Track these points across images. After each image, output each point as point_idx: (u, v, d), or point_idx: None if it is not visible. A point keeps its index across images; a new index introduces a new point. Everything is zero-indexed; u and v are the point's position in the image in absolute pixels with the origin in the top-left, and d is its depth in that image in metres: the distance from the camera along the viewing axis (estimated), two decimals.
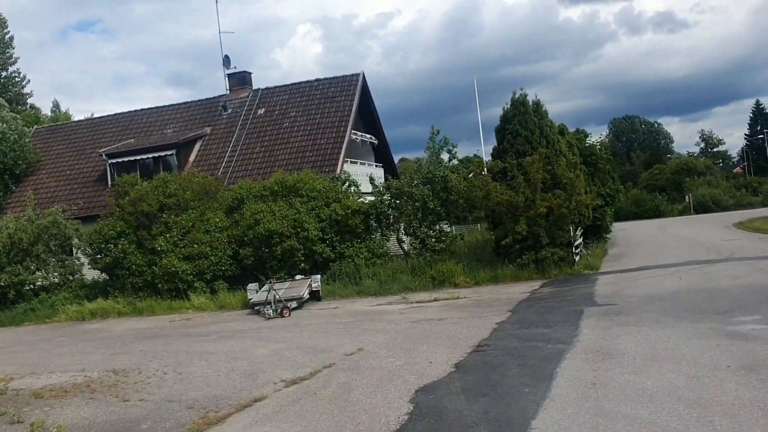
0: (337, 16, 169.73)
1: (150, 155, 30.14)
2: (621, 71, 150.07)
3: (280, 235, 20.94)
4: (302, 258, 21.19)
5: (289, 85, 32.96)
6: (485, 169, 22.58)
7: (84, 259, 24.30)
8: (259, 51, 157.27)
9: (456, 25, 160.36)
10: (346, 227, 21.88)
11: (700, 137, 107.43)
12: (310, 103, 30.89)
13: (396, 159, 53.38)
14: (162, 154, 30.07)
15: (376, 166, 32.43)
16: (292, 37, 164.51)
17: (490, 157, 23.67)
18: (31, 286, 24.16)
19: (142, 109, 35.44)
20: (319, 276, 20.25)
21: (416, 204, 22.12)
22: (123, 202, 23.71)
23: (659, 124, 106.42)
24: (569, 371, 8.23)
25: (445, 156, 24.73)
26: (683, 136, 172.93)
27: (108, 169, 30.49)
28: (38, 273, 24.33)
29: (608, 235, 32.71)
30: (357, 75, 31.31)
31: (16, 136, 31.90)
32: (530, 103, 22.10)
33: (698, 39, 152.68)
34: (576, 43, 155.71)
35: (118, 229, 23.01)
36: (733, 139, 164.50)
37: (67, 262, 24.74)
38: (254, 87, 33.61)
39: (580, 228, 22.76)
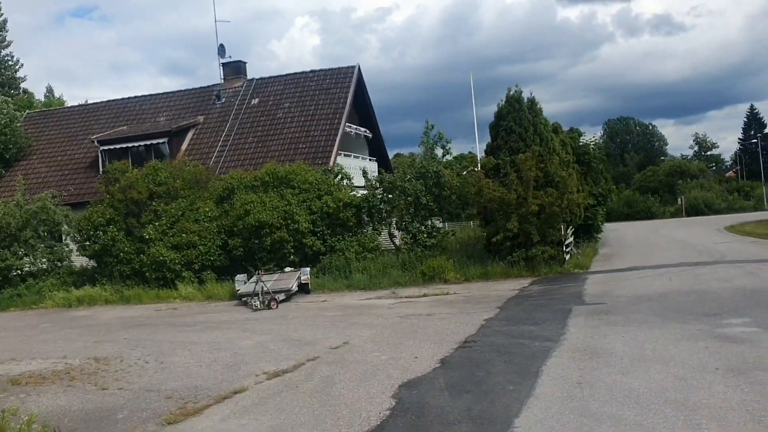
0: (335, 9, 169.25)
1: (142, 143, 29.91)
2: (617, 73, 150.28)
3: (270, 226, 20.78)
4: (292, 250, 21.04)
5: (283, 75, 32.77)
6: (478, 165, 22.47)
7: (73, 246, 24.10)
8: (257, 42, 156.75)
9: (454, 22, 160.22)
10: (337, 220, 21.74)
11: (694, 140, 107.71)
12: (305, 94, 30.69)
13: (391, 154, 53.24)
14: (154, 142, 29.84)
15: (370, 159, 32.26)
16: (290, 28, 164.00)
17: (484, 155, 23.56)
18: (19, 271, 23.95)
19: (135, 97, 35.16)
20: (308, 269, 20.11)
21: (408, 199, 21.98)
22: (113, 189, 23.50)
23: (654, 126, 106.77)
24: (555, 369, 8.11)
25: (439, 151, 24.54)
26: (677, 138, 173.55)
27: (99, 155, 30.26)
28: (26, 258, 24.11)
29: (599, 235, 32.68)
30: (352, 67, 31.12)
31: (7, 120, 31.60)
32: (525, 101, 21.98)
33: (695, 42, 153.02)
34: (573, 44, 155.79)
35: (108, 216, 22.81)
36: (727, 143, 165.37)
37: (55, 248, 24.50)
38: (249, 77, 33.39)
39: (571, 227, 22.71)
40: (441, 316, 13.41)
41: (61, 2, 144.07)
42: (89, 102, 37.75)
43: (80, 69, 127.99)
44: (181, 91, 34.73)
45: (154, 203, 22.79)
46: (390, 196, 22.58)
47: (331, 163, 26.28)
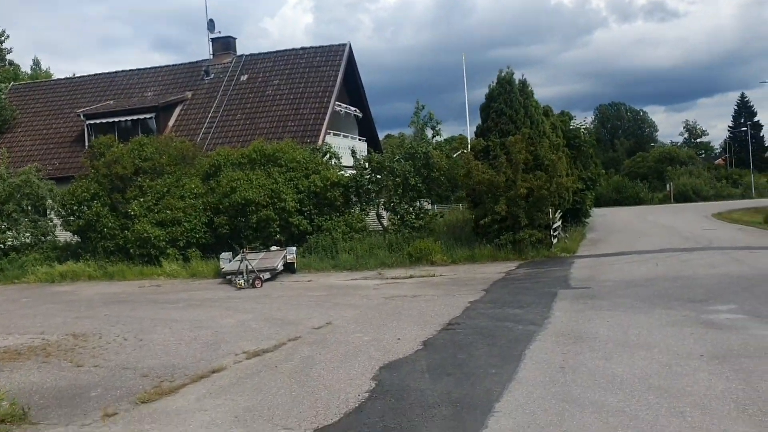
0: None
1: (129, 118, 29.61)
2: (609, 58, 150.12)
3: (256, 204, 20.59)
4: (278, 229, 20.87)
5: (273, 52, 32.43)
6: (468, 147, 22.30)
7: (57, 221, 23.84)
8: (249, 19, 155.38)
9: (449, 3, 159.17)
10: (324, 199, 21.55)
11: (684, 127, 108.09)
12: (295, 71, 30.38)
13: (382, 135, 53.03)
14: (141, 117, 29.55)
15: (360, 139, 32.04)
16: (282, 6, 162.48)
17: (474, 137, 23.39)
18: (1, 245, 23.68)
19: (122, 71, 34.73)
20: (294, 248, 19.94)
21: (397, 179, 21.80)
22: (98, 164, 23.22)
23: (644, 113, 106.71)
24: (538, 353, 8.01)
25: (429, 132, 24.31)
26: (668, 125, 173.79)
27: (85, 130, 29.94)
28: (9, 232, 23.85)
29: (587, 220, 32.69)
30: (343, 45, 30.80)
31: None
32: (516, 82, 21.79)
33: (687, 30, 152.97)
34: (566, 28, 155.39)
35: (92, 191, 22.58)
36: (717, 130, 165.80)
37: (39, 222, 24.24)
38: (239, 53, 33.01)
39: (559, 211, 22.63)
40: (426, 298, 13.31)
41: None
42: (77, 76, 37.21)
43: (69, 42, 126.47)
44: (170, 66, 34.34)
45: (139, 179, 22.55)
46: (378, 176, 22.40)
47: (320, 141, 26.06)
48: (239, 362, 8.34)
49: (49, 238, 24.01)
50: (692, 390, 6.21)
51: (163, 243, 21.09)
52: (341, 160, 24.04)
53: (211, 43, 33.18)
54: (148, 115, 29.51)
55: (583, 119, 34.71)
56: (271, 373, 7.68)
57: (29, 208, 24.24)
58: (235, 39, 33.52)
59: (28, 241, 23.79)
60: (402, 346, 8.72)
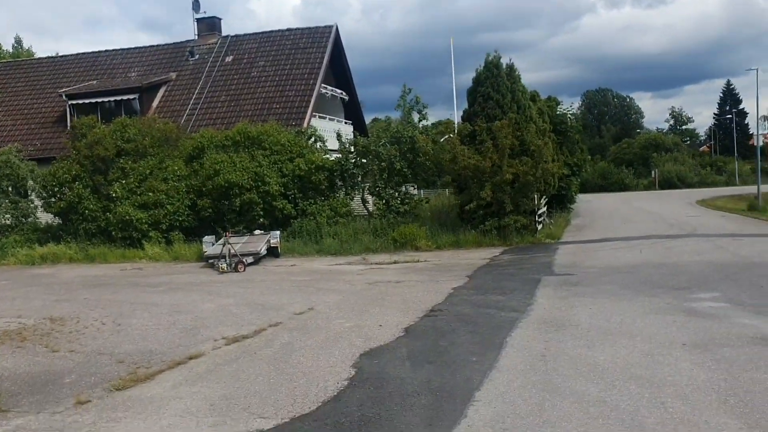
0: None
1: (112, 98, 29.21)
2: (597, 44, 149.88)
3: (240, 187, 20.39)
4: (261, 213, 20.69)
5: (259, 33, 32.03)
6: (455, 131, 22.16)
7: (38, 202, 23.53)
8: (236, 0, 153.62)
9: None
10: (309, 183, 21.37)
11: (670, 114, 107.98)
12: (280, 53, 30.04)
13: (369, 119, 52.74)
14: (124, 97, 29.13)
15: (345, 123, 31.77)
16: None
17: (461, 121, 23.24)
18: None
19: (106, 51, 34.20)
20: (278, 232, 19.80)
21: (382, 164, 21.64)
22: (79, 145, 22.91)
23: (631, 99, 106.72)
24: (520, 341, 7.94)
25: (415, 116, 24.07)
26: (654, 112, 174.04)
27: (68, 110, 29.48)
28: None
29: (572, 206, 32.75)
30: (330, 27, 30.46)
31: None
32: (504, 67, 21.62)
33: (675, 16, 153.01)
34: (554, 13, 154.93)
35: (74, 172, 22.29)
36: (702, 117, 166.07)
37: (20, 204, 23.87)
38: (223, 33, 32.60)
39: (544, 197, 22.61)
40: (410, 284, 13.23)
41: None
42: (60, 55, 36.63)
43: (53, 22, 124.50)
44: (154, 46, 33.84)
45: (121, 161, 22.27)
46: (363, 160, 22.22)
47: (305, 124, 25.81)
48: (218, 348, 8.22)
49: (29, 219, 23.68)
50: (674, 380, 6.16)
51: (146, 226, 20.86)
52: (326, 144, 23.83)
53: (196, 23, 32.72)
54: (131, 96, 29.09)
55: (570, 104, 34.75)
56: (250, 359, 7.57)
57: (10, 189, 23.87)
58: (220, 19, 33.09)
59: (8, 222, 23.46)
60: (384, 333, 8.64)
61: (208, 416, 5.70)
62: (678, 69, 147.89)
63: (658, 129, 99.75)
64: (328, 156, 22.65)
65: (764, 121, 41.28)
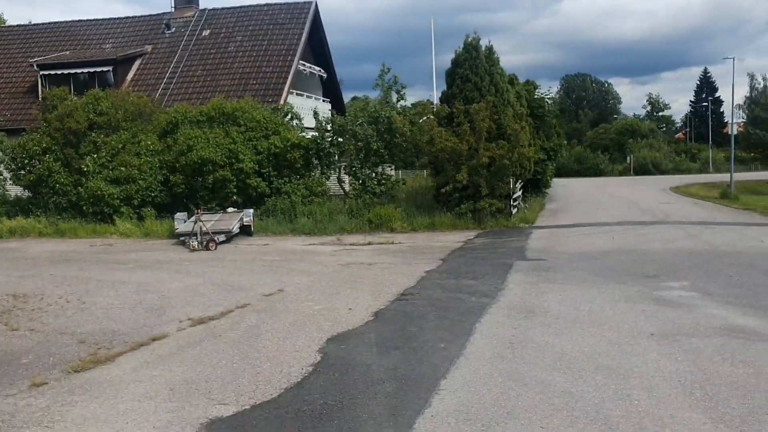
0: None
1: (85, 70, 28.57)
2: (578, 28, 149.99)
3: (213, 164, 20.13)
4: (235, 190, 20.46)
5: (236, 7, 31.54)
6: (432, 113, 22.00)
7: (7, 175, 23.03)
8: None
9: None
10: (284, 161, 21.13)
11: (647, 100, 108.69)
12: (258, 28, 29.61)
13: (349, 97, 52.35)
14: (98, 69, 28.50)
15: (323, 100, 31.48)
16: None
17: (439, 102, 23.09)
18: None
19: (80, 21, 33.47)
20: (251, 210, 19.59)
21: (359, 144, 21.46)
22: (50, 117, 22.49)
23: (609, 84, 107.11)
24: (489, 327, 7.89)
25: (393, 96, 23.85)
26: (632, 98, 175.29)
27: (39, 80, 28.81)
28: None
29: (547, 190, 32.87)
30: (309, 3, 30.07)
31: None
32: (483, 49, 21.47)
33: (655, 4, 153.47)
34: None
35: (44, 145, 21.89)
36: (679, 104, 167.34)
37: None
38: (201, 7, 32.03)
39: (520, 181, 22.61)
40: (382, 266, 13.14)
41: None
42: (32, 23, 35.74)
43: None
44: (129, 17, 33.20)
45: (93, 134, 21.86)
46: (340, 139, 22.02)
47: (282, 101, 25.51)
48: (182, 330, 8.06)
49: None
50: (640, 371, 6.14)
51: (117, 201, 20.56)
52: (303, 122, 23.57)
53: None
54: (105, 68, 28.47)
55: (548, 89, 34.65)
56: (214, 342, 7.43)
57: None
58: None
59: None
60: (352, 317, 8.54)
61: (167, 401, 5.56)
62: (656, 56, 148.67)
63: (635, 115, 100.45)
64: (304, 134, 22.41)
65: (739, 110, 41.64)
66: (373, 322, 8.30)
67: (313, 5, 29.90)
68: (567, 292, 9.99)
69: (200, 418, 5.19)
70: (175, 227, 18.66)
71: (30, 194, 22.52)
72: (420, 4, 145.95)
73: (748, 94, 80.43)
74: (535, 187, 29.15)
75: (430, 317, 8.52)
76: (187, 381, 6.05)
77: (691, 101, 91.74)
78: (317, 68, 30.92)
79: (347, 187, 22.46)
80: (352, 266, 13.23)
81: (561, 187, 39.92)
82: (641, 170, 65.53)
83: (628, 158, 68.22)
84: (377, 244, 16.88)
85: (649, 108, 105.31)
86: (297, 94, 28.30)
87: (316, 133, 22.24)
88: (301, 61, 28.33)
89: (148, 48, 30.21)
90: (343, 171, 22.57)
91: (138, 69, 29.40)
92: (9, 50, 32.03)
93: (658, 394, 5.53)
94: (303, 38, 28.43)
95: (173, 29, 30.72)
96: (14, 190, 23.20)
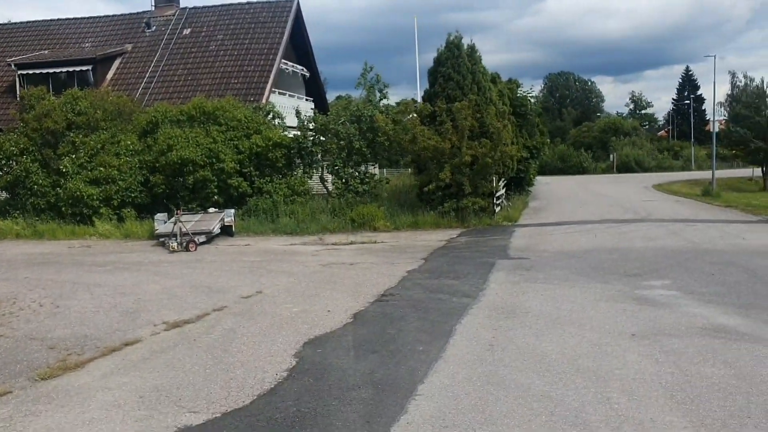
0: None
1: (64, 69, 28.24)
2: (561, 27, 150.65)
3: (194, 164, 19.90)
4: (216, 190, 20.25)
5: (218, 6, 31.29)
6: (415, 111, 21.89)
7: None
8: None
9: None
10: (266, 161, 20.95)
11: (630, 98, 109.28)
12: (239, 27, 29.39)
13: (334, 96, 52.12)
14: (77, 69, 28.17)
15: (306, 99, 31.29)
16: None
17: (422, 101, 22.96)
18: None
19: (59, 19, 33.09)
20: (233, 210, 19.40)
21: (341, 142, 21.33)
22: (28, 117, 22.20)
23: (593, 83, 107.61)
24: (469, 329, 7.78)
25: (376, 95, 23.75)
26: (614, 96, 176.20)
27: (17, 80, 28.44)
28: None
29: (531, 188, 32.88)
30: (291, 1, 29.90)
31: None
32: (465, 47, 21.39)
33: (638, 2, 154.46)
34: None
35: (21, 145, 21.61)
36: (661, 103, 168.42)
37: None
38: (181, 5, 31.75)
39: (503, 179, 22.57)
40: (364, 266, 13.01)
41: None
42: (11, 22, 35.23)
43: None
44: (109, 16, 32.88)
45: (72, 134, 21.57)
46: (322, 138, 21.86)
47: (264, 100, 25.31)
48: (156, 334, 7.87)
49: None
50: (621, 373, 6.04)
51: (97, 202, 20.30)
52: (285, 121, 23.38)
53: None
54: (84, 68, 28.14)
55: (530, 87, 34.66)
56: (188, 347, 7.25)
57: None
58: None
59: None
60: (331, 319, 8.39)
61: (135, 409, 5.38)
62: (639, 54, 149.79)
63: (618, 113, 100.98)
64: (286, 133, 22.22)
65: (720, 107, 41.79)
66: (352, 325, 8.16)
67: (295, 4, 29.71)
68: (549, 292, 9.91)
69: (169, 427, 5.02)
70: (155, 228, 18.42)
71: (7, 195, 22.19)
72: (404, 3, 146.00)
73: (729, 92, 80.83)
74: (519, 185, 29.13)
75: (410, 318, 8.39)
76: (157, 388, 5.88)
77: (673, 99, 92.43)
78: (300, 67, 30.74)
79: (330, 187, 22.30)
80: (333, 266, 13.08)
81: (545, 185, 39.99)
82: (624, 168, 65.84)
83: (612, 156, 68.51)
84: (359, 243, 16.75)
85: (631, 106, 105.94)
86: (279, 93, 28.10)
87: (299, 132, 22.07)
88: (283, 60, 28.15)
89: (128, 47, 29.91)
90: (326, 170, 22.40)
91: (118, 68, 29.10)
92: None
93: (639, 397, 5.43)
94: (285, 37, 28.24)
95: (153, 28, 30.44)
96: None
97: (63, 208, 20.51)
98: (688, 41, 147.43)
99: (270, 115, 22.94)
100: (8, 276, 12.96)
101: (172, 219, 17.74)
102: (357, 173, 21.92)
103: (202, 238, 17.26)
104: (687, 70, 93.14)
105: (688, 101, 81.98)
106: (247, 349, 7.11)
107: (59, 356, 6.97)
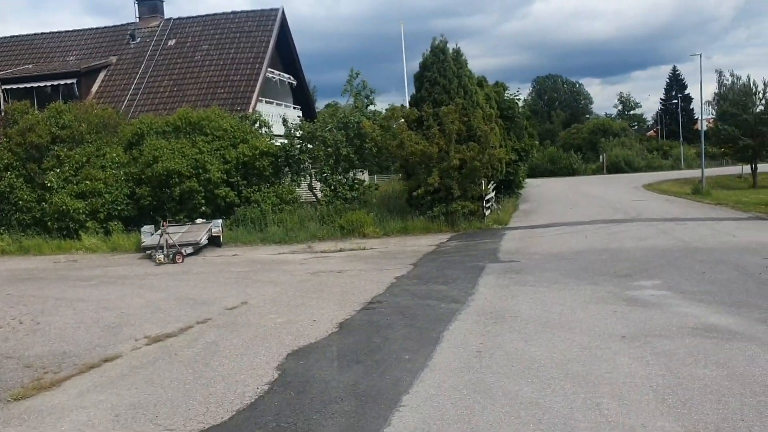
0: None
1: (49, 83, 27.96)
2: (548, 30, 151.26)
3: (180, 175, 19.69)
4: (203, 201, 20.04)
5: (202, 16, 31.16)
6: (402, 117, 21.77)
7: None
8: None
9: None
10: (253, 170, 20.78)
11: (618, 99, 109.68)
12: (225, 36, 29.23)
13: (323, 104, 51.96)
14: (62, 82, 27.90)
15: (294, 108, 31.16)
16: None
17: (409, 106, 22.88)
18: None
19: (43, 33, 32.84)
20: (220, 221, 19.21)
21: (329, 149, 21.17)
22: (11, 132, 21.98)
23: (580, 85, 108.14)
24: (457, 335, 7.62)
25: (363, 101, 23.63)
26: (603, 98, 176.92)
27: (1, 95, 28.10)
28: None
29: (521, 191, 32.81)
30: (276, 10, 29.74)
31: None
32: (450, 51, 21.32)
33: (623, 3, 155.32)
34: None
35: (5, 160, 21.41)
36: (649, 103, 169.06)
37: None
38: (166, 16, 31.56)
39: (492, 182, 22.47)
40: (352, 273, 12.85)
41: None
42: None
43: None
44: (93, 29, 32.59)
45: (56, 148, 21.35)
46: (310, 145, 21.71)
47: (251, 109, 25.15)
48: (137, 349, 7.68)
49: None
50: (611, 377, 5.89)
51: (83, 215, 20.08)
52: (272, 129, 23.23)
53: (137, 5, 31.64)
54: (69, 81, 27.89)
55: (517, 90, 34.62)
56: (169, 361, 7.06)
57: None
58: (162, 2, 32.06)
59: None
60: (316, 329, 8.22)
61: (110, 429, 5.19)
62: (626, 55, 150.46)
63: (606, 114, 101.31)
64: (273, 141, 22.07)
65: (708, 106, 41.90)
66: (337, 334, 7.98)
67: (280, 12, 29.59)
68: (538, 295, 9.77)
69: None
70: (142, 241, 18.22)
71: None
72: (391, 10, 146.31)
73: (717, 91, 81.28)
74: (508, 188, 29.06)
75: (396, 326, 8.23)
76: (134, 405, 5.69)
77: (661, 99, 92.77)
78: (286, 75, 30.60)
79: (319, 194, 22.13)
80: (320, 274, 12.92)
81: (535, 187, 39.93)
82: (614, 168, 65.95)
83: (601, 157, 68.62)
84: (348, 250, 16.60)
85: (620, 107, 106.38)
86: (266, 102, 27.95)
87: (286, 141, 21.92)
88: (269, 69, 28.00)
89: (113, 59, 29.70)
90: (314, 178, 22.24)
91: (103, 81, 28.88)
92: None
93: (629, 402, 5.28)
94: (270, 46, 28.10)
95: (138, 40, 30.25)
96: None
97: (49, 223, 20.28)
98: (674, 41, 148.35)
99: (257, 124, 22.78)
100: None
101: (159, 231, 17.53)
102: (345, 180, 21.78)
103: (190, 250, 17.07)
104: (674, 69, 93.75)
105: (676, 101, 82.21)
106: (228, 362, 6.93)
107: (35, 375, 6.77)
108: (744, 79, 38.73)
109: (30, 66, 29.98)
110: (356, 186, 21.90)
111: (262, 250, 17.86)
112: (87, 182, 20.33)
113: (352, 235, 19.20)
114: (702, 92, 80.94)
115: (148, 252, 17.23)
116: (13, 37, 33.39)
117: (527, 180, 38.00)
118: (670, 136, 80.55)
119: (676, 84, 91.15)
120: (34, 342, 8.31)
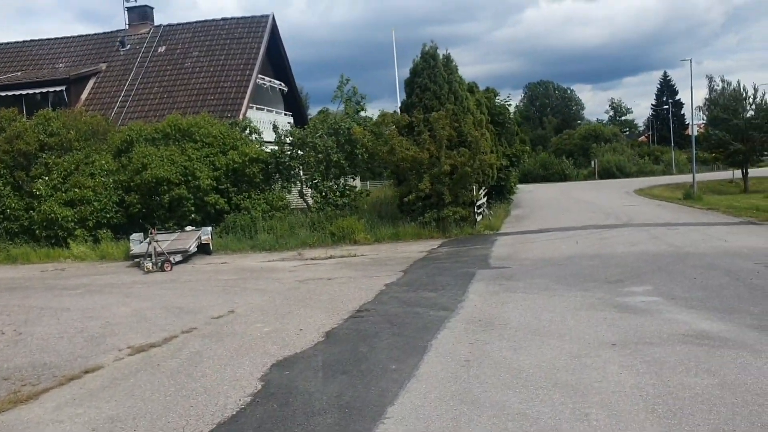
0: None
1: (38, 90, 27.82)
2: (539, 37, 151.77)
3: (169, 182, 19.52)
4: (192, 208, 19.88)
5: (192, 23, 31.01)
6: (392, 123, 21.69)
7: None
8: None
9: None
10: (243, 176, 20.65)
11: (609, 105, 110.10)
12: (215, 43, 29.14)
13: (315, 111, 51.83)
14: (51, 89, 27.77)
15: (285, 114, 31.06)
16: None
17: (400, 112, 22.81)
18: None
19: (32, 41, 32.65)
20: (210, 228, 19.05)
21: (319, 156, 21.06)
22: None
23: (572, 91, 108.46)
24: (445, 344, 7.50)
25: (353, 107, 23.57)
26: (594, 103, 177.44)
27: None
28: None
29: (512, 196, 32.75)
30: (266, 17, 29.67)
31: None
32: (440, 57, 21.27)
33: (614, 9, 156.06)
34: (498, 6, 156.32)
35: None
36: (641, 108, 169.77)
37: None
38: (156, 23, 31.45)
39: (483, 188, 22.39)
40: (341, 281, 12.73)
41: None
42: None
43: None
44: (83, 36, 32.50)
45: (44, 155, 21.18)
46: (300, 152, 21.59)
47: (242, 116, 25.04)
48: (120, 359, 7.53)
49: None
50: (600, 386, 5.78)
51: (72, 223, 19.89)
52: (263, 135, 23.10)
53: (126, 12, 31.52)
54: (58, 88, 27.74)
55: (507, 95, 34.61)
56: (151, 373, 6.91)
57: None
58: (152, 8, 31.95)
59: None
60: (302, 339, 8.09)
61: None
62: (617, 61, 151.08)
63: (598, 120, 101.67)
64: (264, 148, 21.95)
65: (699, 111, 42.04)
66: (323, 344, 7.85)
67: (270, 19, 29.51)
68: (528, 302, 9.67)
69: None
70: (131, 249, 18.05)
71: None
72: (384, 17, 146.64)
73: (707, 96, 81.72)
74: (500, 193, 29.01)
75: (384, 335, 8.10)
76: (112, 419, 5.54)
77: (652, 104, 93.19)
78: (277, 82, 30.51)
79: (310, 201, 22.01)
80: (309, 282, 12.79)
81: (527, 192, 39.90)
82: (606, 174, 66.07)
83: (593, 162, 68.76)
84: (339, 257, 16.48)
85: (611, 113, 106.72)
86: (257, 108, 27.84)
87: (276, 147, 21.80)
88: (260, 75, 27.90)
89: (103, 66, 29.57)
90: (305, 184, 22.12)
91: (92, 88, 28.74)
92: None
93: (618, 412, 5.16)
94: (261, 52, 28.01)
95: (128, 46, 30.13)
96: None
97: (37, 231, 20.08)
98: (664, 46, 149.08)
99: (247, 131, 22.65)
100: None
101: (147, 239, 17.37)
102: (336, 186, 21.67)
103: (178, 258, 16.91)
104: (665, 75, 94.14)
105: (667, 106, 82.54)
106: (212, 373, 6.79)
107: (12, 387, 6.61)
108: (734, 84, 38.89)
109: (19, 73, 29.83)
110: (347, 192, 21.79)
111: (252, 257, 17.72)
112: (76, 190, 20.15)
113: (343, 241, 19.08)
114: (693, 97, 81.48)
115: (137, 260, 17.06)
116: (1, 44, 33.18)
117: (519, 186, 38.00)
118: (662, 142, 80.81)
119: (667, 89, 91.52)
120: (15, 353, 8.15)
